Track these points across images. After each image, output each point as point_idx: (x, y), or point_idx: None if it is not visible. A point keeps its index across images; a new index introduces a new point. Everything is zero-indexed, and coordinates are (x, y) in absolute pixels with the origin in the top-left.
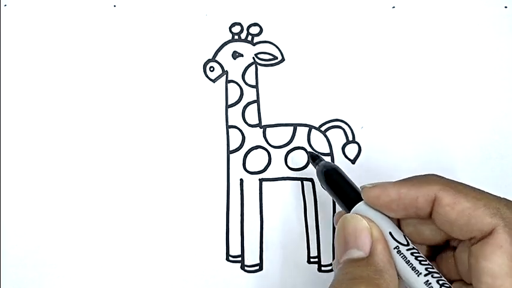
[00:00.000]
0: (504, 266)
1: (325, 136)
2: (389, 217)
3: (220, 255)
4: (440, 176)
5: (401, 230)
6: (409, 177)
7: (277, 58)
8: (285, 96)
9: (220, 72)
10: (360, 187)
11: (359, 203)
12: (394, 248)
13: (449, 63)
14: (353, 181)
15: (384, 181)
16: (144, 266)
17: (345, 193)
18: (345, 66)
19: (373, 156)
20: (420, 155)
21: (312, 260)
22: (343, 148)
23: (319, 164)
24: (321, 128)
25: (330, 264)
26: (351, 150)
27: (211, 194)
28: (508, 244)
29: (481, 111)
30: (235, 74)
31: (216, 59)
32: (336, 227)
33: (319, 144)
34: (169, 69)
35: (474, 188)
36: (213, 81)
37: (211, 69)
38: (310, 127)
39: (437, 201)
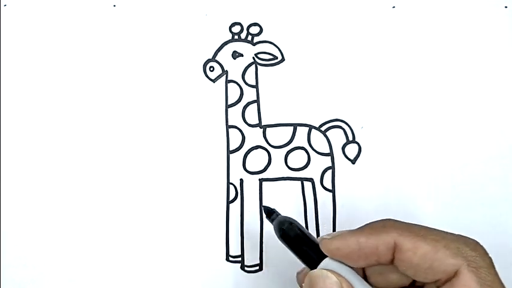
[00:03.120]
0: None
1: (325, 136)
2: (352, 267)
3: (220, 256)
4: (397, 221)
5: (367, 279)
6: (366, 224)
7: (277, 58)
8: (285, 96)
9: (220, 72)
10: (318, 239)
11: (325, 259)
12: None
13: (450, 63)
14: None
15: (340, 231)
16: (144, 266)
17: (306, 249)
18: (345, 66)
19: (373, 156)
20: (420, 155)
21: None
22: (343, 148)
23: (275, 220)
24: (321, 128)
25: None
26: (351, 150)
27: (211, 194)
28: (475, 283)
29: (481, 111)
30: (235, 74)
31: (216, 58)
32: (304, 286)
33: (319, 144)
34: (169, 69)
35: (432, 229)
36: (213, 81)
37: (211, 69)
38: (310, 127)
39: (397, 248)
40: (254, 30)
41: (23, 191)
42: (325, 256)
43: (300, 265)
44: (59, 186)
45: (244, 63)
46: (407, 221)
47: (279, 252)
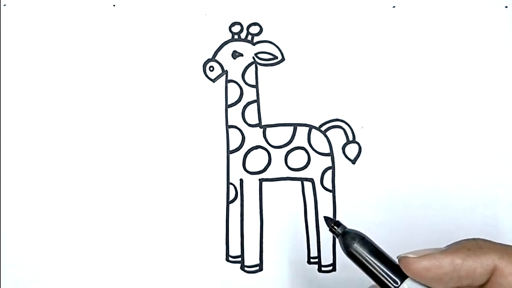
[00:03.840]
0: None
1: (325, 136)
2: None
3: (220, 256)
4: (491, 242)
5: None
6: (456, 244)
7: (277, 58)
8: (285, 96)
9: (220, 71)
10: (398, 257)
11: (407, 281)
12: None
13: (450, 63)
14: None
15: (426, 249)
16: (144, 266)
17: (381, 269)
18: (345, 66)
19: (373, 156)
20: (420, 155)
21: (312, 260)
22: (343, 148)
23: (343, 233)
24: (321, 128)
25: (330, 265)
26: (351, 150)
27: (211, 194)
28: None
29: (481, 111)
30: (235, 74)
31: (215, 58)
32: None
33: (319, 144)
34: (169, 69)
35: None
36: (213, 81)
37: (211, 68)
38: (310, 127)
39: (498, 271)
40: (254, 30)
41: (23, 191)
42: (405, 277)
43: (300, 264)
44: (59, 187)
45: (244, 63)
46: (406, 221)
47: (279, 252)
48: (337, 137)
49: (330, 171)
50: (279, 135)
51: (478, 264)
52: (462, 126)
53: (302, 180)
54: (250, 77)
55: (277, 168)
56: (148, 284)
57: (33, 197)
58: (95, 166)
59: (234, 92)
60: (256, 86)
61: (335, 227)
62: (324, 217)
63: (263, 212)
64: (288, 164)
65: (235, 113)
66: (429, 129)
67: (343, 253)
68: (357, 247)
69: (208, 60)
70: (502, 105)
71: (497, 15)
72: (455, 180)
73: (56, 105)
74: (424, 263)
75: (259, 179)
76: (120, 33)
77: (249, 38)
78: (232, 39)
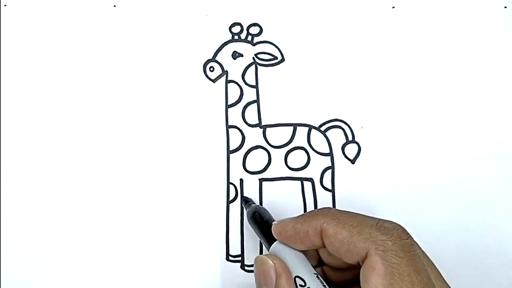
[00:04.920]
0: (379, 285)
1: (325, 136)
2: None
3: (220, 255)
4: (331, 209)
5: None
6: (306, 212)
7: (277, 58)
8: (285, 96)
9: (220, 72)
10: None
11: (275, 243)
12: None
13: (449, 63)
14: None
15: (289, 217)
16: (143, 266)
17: (265, 233)
18: (345, 66)
19: (373, 156)
20: (420, 155)
21: None
22: (343, 148)
23: (249, 207)
24: (321, 128)
25: None
26: (351, 150)
27: (211, 194)
28: (380, 265)
29: (481, 111)
30: (235, 74)
31: (216, 59)
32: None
33: (319, 144)
34: (169, 69)
35: (357, 216)
36: (213, 81)
37: (211, 69)
38: (310, 127)
39: (323, 233)
40: (254, 30)
41: (23, 191)
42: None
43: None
44: (59, 187)
45: (244, 63)
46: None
47: None
48: (336, 137)
49: (329, 171)
50: (279, 135)
51: (309, 227)
52: (462, 126)
53: (302, 180)
54: (250, 77)
55: (277, 168)
56: (148, 284)
57: (33, 197)
58: (95, 166)
59: (234, 92)
60: (256, 86)
61: (246, 202)
62: (241, 196)
63: (241, 201)
64: (288, 164)
65: (235, 113)
66: (429, 129)
67: None
68: (250, 218)
69: (209, 61)
70: (502, 105)
71: (497, 15)
72: (455, 180)
73: (56, 105)
74: (277, 227)
75: (259, 179)
76: (121, 33)
77: (249, 38)
78: (232, 40)
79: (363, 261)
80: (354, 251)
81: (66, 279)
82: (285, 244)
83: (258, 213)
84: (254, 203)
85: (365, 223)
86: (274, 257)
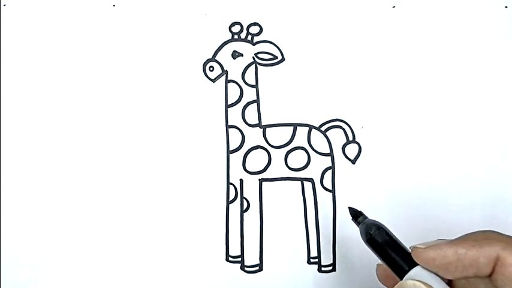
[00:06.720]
0: None
1: (325, 136)
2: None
3: (220, 256)
4: (500, 233)
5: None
6: (466, 235)
7: (277, 58)
8: (285, 96)
9: (220, 71)
10: (410, 247)
11: (416, 268)
12: None
13: (450, 63)
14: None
15: (436, 240)
16: (143, 266)
17: (395, 257)
18: (345, 66)
19: (373, 156)
20: (420, 155)
21: (312, 260)
22: (343, 148)
23: (362, 223)
24: (321, 128)
25: (330, 265)
26: (351, 150)
27: (211, 194)
28: None
29: (482, 111)
30: (235, 74)
31: (215, 58)
32: None
33: (319, 144)
34: (169, 69)
35: None
36: (213, 81)
37: (211, 68)
38: (310, 127)
39: (500, 262)
40: (254, 30)
41: (23, 191)
42: (416, 264)
43: (300, 264)
44: (59, 187)
45: (244, 63)
46: (406, 221)
47: (278, 252)
48: (337, 137)
49: (329, 171)
50: (279, 135)
51: (481, 254)
52: (462, 126)
53: (302, 180)
54: (250, 77)
55: (277, 168)
56: (148, 284)
57: (33, 197)
58: (95, 166)
59: (234, 92)
60: (256, 86)
61: (357, 216)
62: (349, 207)
63: (263, 212)
64: (288, 164)
65: (235, 113)
66: (429, 129)
67: (343, 253)
68: (374, 235)
69: (208, 60)
70: (502, 105)
71: (497, 15)
72: (455, 179)
73: (56, 105)
74: (431, 253)
75: (259, 179)
76: (120, 33)
77: (249, 38)
78: (232, 39)
79: None
80: None
81: (66, 279)
82: (429, 271)
83: (384, 231)
84: (367, 217)
85: None
86: (427, 284)
